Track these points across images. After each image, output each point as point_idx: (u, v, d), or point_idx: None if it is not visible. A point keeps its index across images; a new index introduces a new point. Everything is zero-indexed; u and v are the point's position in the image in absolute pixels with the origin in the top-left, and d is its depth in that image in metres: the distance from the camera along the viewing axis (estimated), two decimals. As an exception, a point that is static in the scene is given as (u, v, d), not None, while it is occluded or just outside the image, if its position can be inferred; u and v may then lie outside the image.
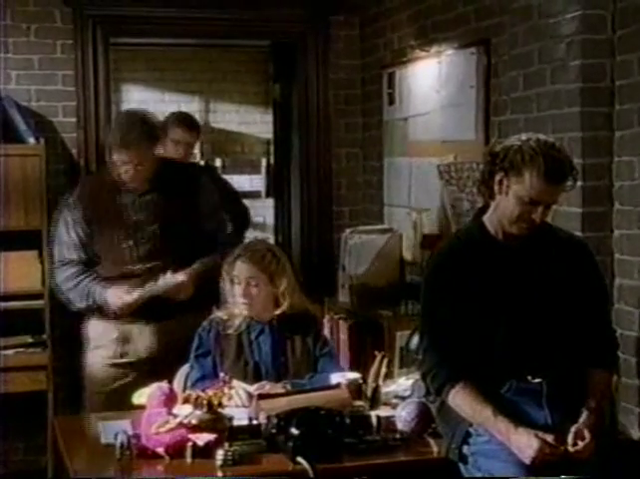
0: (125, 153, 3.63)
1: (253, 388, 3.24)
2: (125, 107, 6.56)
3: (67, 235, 3.75)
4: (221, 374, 3.29)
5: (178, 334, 3.63)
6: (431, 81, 4.53)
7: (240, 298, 3.43)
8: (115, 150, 3.66)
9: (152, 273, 3.69)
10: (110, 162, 3.75)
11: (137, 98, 6.65)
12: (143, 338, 3.74)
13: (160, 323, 3.73)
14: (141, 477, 2.76)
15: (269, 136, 6.51)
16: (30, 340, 4.49)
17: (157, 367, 3.56)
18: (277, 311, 3.47)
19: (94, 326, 3.81)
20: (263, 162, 6.80)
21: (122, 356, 3.76)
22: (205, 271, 3.72)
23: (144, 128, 3.67)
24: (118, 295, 3.67)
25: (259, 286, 3.44)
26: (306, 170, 5.40)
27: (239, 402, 3.20)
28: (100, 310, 3.73)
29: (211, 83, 6.71)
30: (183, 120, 4.88)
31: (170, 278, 3.65)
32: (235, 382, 3.25)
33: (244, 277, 3.44)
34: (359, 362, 4.39)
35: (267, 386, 3.27)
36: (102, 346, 3.79)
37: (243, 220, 4.96)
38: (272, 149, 6.38)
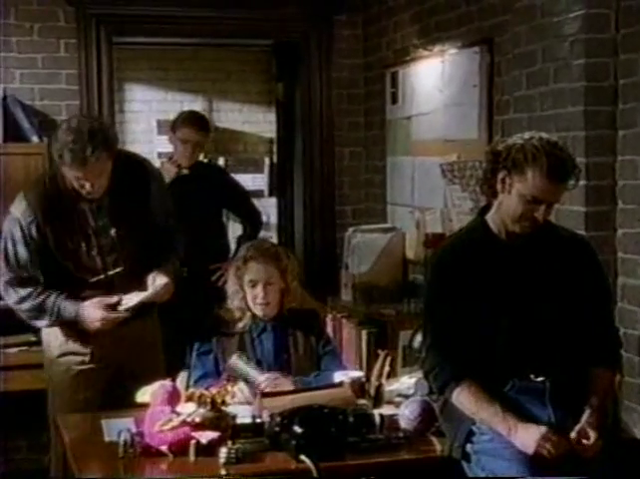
0: (82, 170, 3.25)
1: (264, 377, 3.23)
2: (127, 106, 6.57)
3: (17, 251, 3.40)
4: (224, 373, 3.30)
5: (144, 337, 3.56)
6: (434, 80, 4.53)
7: (261, 300, 3.43)
8: (69, 166, 3.26)
9: (116, 281, 3.46)
10: (60, 172, 3.36)
11: (139, 97, 6.64)
12: (111, 343, 3.51)
13: (127, 326, 3.50)
14: (144, 476, 2.75)
15: (272, 135, 6.51)
16: (32, 339, 4.48)
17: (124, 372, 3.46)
18: (285, 307, 3.48)
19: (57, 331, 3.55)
20: (266, 161, 6.79)
21: (90, 362, 3.53)
22: (175, 272, 3.57)
23: (99, 139, 3.24)
24: (95, 312, 3.39)
25: (275, 285, 3.45)
26: (309, 169, 5.41)
27: (242, 399, 3.20)
28: (67, 324, 3.48)
29: (214, 82, 6.70)
30: (192, 119, 4.83)
31: (158, 283, 3.42)
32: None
33: (264, 279, 3.44)
34: (362, 361, 4.40)
35: (279, 378, 3.27)
36: (70, 353, 3.55)
37: (255, 220, 4.94)
38: (275, 148, 6.38)
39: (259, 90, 6.67)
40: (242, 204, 4.95)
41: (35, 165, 4.48)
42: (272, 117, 6.40)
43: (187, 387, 3.34)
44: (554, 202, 2.79)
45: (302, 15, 5.28)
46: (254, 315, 3.47)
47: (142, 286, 3.43)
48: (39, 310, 3.44)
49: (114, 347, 3.48)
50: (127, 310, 3.40)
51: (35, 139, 4.58)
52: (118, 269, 3.45)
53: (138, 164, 3.60)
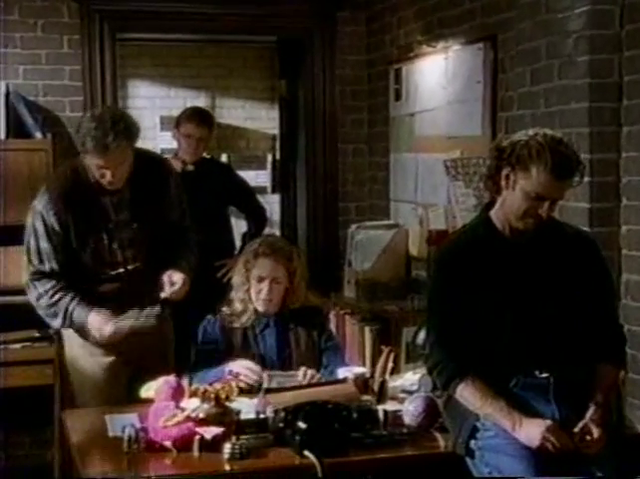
0: (103, 157, 3.29)
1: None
2: (131, 102, 6.56)
3: (39, 245, 3.42)
4: (227, 368, 3.30)
5: (162, 333, 3.57)
6: (437, 77, 4.53)
7: (265, 296, 3.44)
8: (91, 153, 3.30)
9: (134, 275, 3.48)
10: (81, 164, 3.41)
11: (143, 93, 6.64)
12: (130, 338, 3.46)
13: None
14: (148, 471, 2.76)
15: (275, 131, 6.50)
16: (37, 334, 4.49)
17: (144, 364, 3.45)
18: (287, 306, 3.48)
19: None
20: (269, 157, 6.79)
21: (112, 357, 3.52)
22: (190, 269, 3.57)
23: (120, 127, 3.30)
24: (98, 325, 3.38)
25: (281, 284, 3.46)
26: (312, 165, 5.40)
27: (252, 381, 3.22)
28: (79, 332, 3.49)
29: (217, 79, 6.69)
30: (194, 115, 4.81)
31: (176, 280, 3.42)
32: (239, 362, 3.29)
33: (271, 276, 3.44)
34: (365, 357, 4.40)
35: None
36: (91, 348, 3.52)
37: (260, 217, 4.94)
38: (278, 144, 6.38)
39: (262, 86, 6.66)
40: (247, 200, 4.95)
41: (39, 160, 4.49)
42: (275, 113, 6.40)
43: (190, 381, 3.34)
44: (558, 198, 2.79)
45: (305, 11, 5.28)
46: (256, 310, 3.47)
47: (157, 283, 3.44)
48: (54, 309, 3.44)
49: (133, 343, 3.47)
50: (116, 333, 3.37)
51: (38, 135, 4.58)
52: (137, 264, 3.48)
53: (157, 161, 3.67)
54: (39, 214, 3.42)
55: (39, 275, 3.45)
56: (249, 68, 6.69)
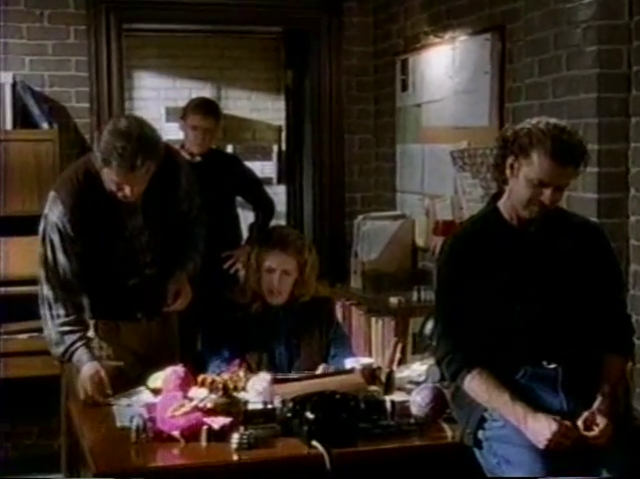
0: (127, 177, 3.12)
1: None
2: (136, 93, 6.57)
3: (56, 258, 3.25)
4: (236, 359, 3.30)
5: (163, 333, 3.54)
6: (444, 67, 4.52)
7: (274, 288, 3.43)
8: (114, 171, 3.11)
9: (147, 282, 3.40)
10: (94, 168, 3.22)
11: (148, 84, 6.65)
12: (137, 337, 3.47)
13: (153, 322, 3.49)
14: (156, 461, 2.76)
15: (281, 122, 6.50)
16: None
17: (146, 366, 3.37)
18: (295, 297, 3.48)
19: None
20: (275, 148, 6.80)
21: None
22: (195, 271, 3.54)
23: (149, 148, 3.12)
24: (87, 382, 3.19)
25: (291, 276, 3.45)
26: (318, 156, 5.40)
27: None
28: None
29: (223, 70, 6.70)
30: (200, 106, 4.72)
31: (179, 297, 3.38)
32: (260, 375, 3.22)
33: (282, 269, 3.43)
34: (371, 349, 4.41)
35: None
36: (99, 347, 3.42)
37: (267, 208, 4.91)
38: (284, 135, 6.38)
39: (268, 77, 6.67)
40: (255, 191, 4.90)
41: (45, 151, 4.51)
42: (281, 104, 6.39)
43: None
44: (562, 186, 2.76)
45: (312, 2, 5.28)
46: (265, 301, 3.47)
47: (164, 293, 3.41)
48: (57, 340, 3.29)
49: (140, 342, 3.45)
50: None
51: (45, 125, 4.58)
52: (153, 269, 3.41)
53: (167, 156, 3.40)
54: (54, 225, 3.24)
55: (55, 294, 3.28)
56: (255, 59, 6.70)
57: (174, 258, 3.46)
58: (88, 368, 3.22)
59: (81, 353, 3.26)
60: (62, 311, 3.28)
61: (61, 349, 3.29)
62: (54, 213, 3.25)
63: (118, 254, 3.33)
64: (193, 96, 5.72)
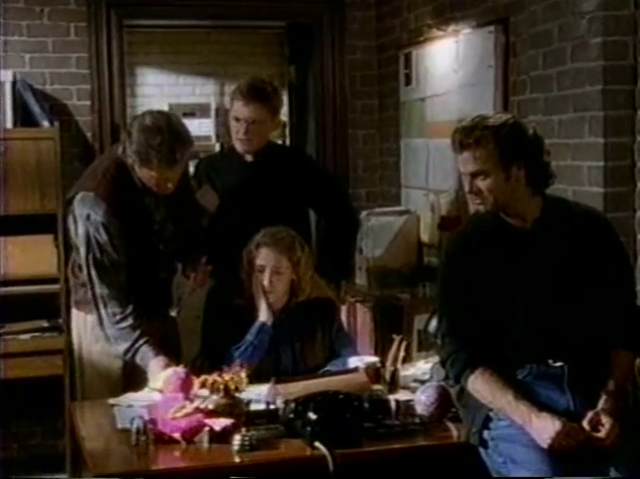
0: (168, 171, 3.18)
1: None
2: (139, 90, 6.53)
3: (109, 258, 3.26)
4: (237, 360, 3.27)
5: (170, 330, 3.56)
6: (448, 61, 4.48)
7: (265, 287, 3.39)
8: (155, 168, 3.17)
9: (170, 280, 3.48)
10: (124, 164, 3.27)
11: (151, 81, 6.61)
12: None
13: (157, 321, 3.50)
14: (157, 463, 2.73)
15: (285, 118, 6.46)
16: (46, 325, 4.49)
17: None
18: (296, 299, 3.45)
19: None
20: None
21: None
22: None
23: (182, 137, 3.16)
24: (156, 373, 3.21)
25: (284, 275, 3.40)
26: (322, 152, 5.37)
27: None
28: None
29: (226, 65, 6.66)
30: (244, 90, 3.78)
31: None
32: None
33: (271, 266, 3.39)
34: (377, 346, 4.37)
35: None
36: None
37: (348, 222, 4.60)
38: (288, 131, 6.34)
39: (271, 73, 6.61)
40: (332, 199, 4.05)
41: (46, 149, 4.47)
42: (285, 100, 6.35)
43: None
44: (473, 172, 2.74)
45: (314, -4, 5.24)
46: (269, 305, 3.42)
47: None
48: (126, 345, 3.29)
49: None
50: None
51: (46, 123, 4.55)
52: (178, 262, 3.47)
53: None
54: (100, 225, 3.22)
55: (111, 291, 3.27)
56: (258, 54, 6.66)
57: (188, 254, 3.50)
58: (156, 364, 3.22)
59: (145, 350, 3.28)
60: (117, 309, 3.29)
61: (122, 347, 3.30)
62: (97, 213, 3.24)
63: (152, 248, 3.38)
64: (197, 92, 5.67)
